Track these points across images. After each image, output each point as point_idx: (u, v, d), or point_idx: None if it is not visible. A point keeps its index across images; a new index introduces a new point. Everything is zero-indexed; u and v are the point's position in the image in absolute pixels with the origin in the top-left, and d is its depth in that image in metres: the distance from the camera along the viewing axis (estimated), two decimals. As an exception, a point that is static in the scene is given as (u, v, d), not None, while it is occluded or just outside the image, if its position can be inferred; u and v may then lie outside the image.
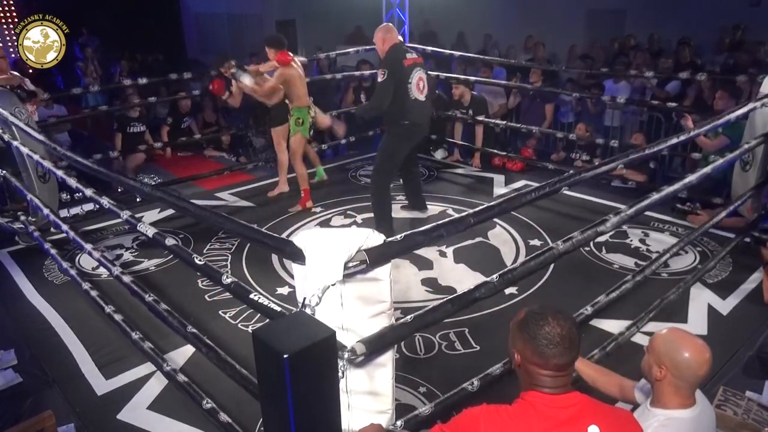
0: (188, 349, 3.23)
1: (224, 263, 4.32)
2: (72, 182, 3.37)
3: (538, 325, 1.47)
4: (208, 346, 2.52)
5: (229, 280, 2.03)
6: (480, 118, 6.34)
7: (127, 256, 4.48)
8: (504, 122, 6.51)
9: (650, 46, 7.84)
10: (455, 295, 2.06)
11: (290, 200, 5.45)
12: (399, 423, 2.02)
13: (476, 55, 7.32)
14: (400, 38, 4.58)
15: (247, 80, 4.94)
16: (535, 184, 2.34)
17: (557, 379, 1.47)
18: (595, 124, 6.41)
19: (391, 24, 4.70)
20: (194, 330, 2.64)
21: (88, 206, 5.05)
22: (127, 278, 3.14)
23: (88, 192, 3.14)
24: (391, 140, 4.58)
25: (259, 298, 1.88)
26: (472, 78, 6.40)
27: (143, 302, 2.92)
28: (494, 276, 2.09)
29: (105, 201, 2.98)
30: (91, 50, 9.56)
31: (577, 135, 5.93)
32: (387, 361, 1.90)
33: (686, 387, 1.69)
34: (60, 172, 3.58)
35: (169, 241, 2.42)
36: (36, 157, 3.83)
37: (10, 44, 10.05)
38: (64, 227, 3.71)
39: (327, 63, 8.02)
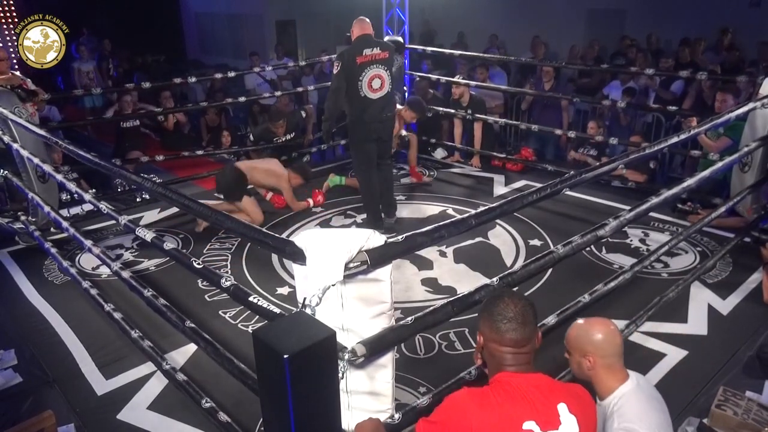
0: (188, 349, 3.23)
1: (224, 263, 4.32)
2: (71, 186, 3.36)
3: (495, 303, 1.62)
4: (206, 341, 2.52)
5: (228, 283, 2.03)
6: (479, 116, 6.35)
7: (127, 256, 4.48)
8: (502, 120, 6.52)
9: (648, 45, 7.86)
10: (455, 297, 2.06)
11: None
12: (397, 416, 2.02)
13: (478, 54, 7.32)
14: (370, 32, 4.53)
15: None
16: (535, 184, 2.34)
17: (518, 356, 1.58)
18: (610, 126, 6.41)
19: (364, 17, 4.63)
20: (192, 325, 2.64)
21: (88, 206, 5.04)
22: (126, 273, 3.13)
23: (87, 196, 3.14)
24: (349, 136, 4.77)
25: (259, 300, 1.88)
26: (473, 83, 6.38)
27: (142, 297, 2.91)
28: (494, 279, 2.10)
29: (103, 206, 2.98)
30: (86, 50, 9.53)
31: (589, 134, 5.96)
32: (387, 362, 1.90)
33: (615, 360, 1.84)
34: (60, 177, 3.58)
35: (168, 245, 2.42)
36: (36, 160, 3.83)
37: (10, 44, 10.05)
38: (65, 224, 3.70)
39: (329, 64, 8.01)
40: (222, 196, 5.02)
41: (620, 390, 1.82)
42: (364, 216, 5.05)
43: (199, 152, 6.41)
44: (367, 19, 4.62)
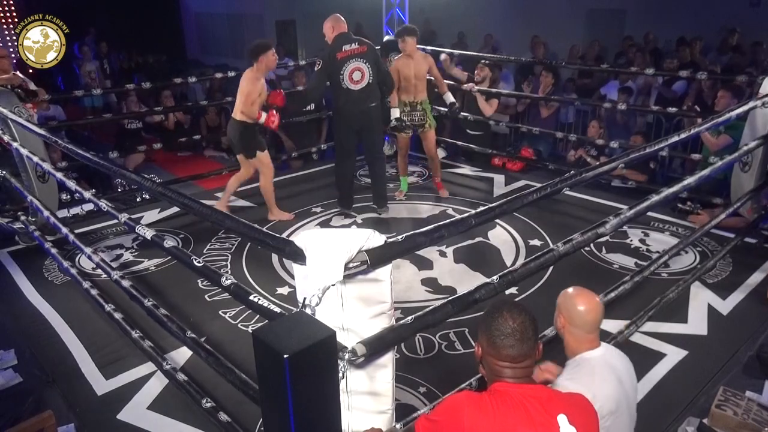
0: (188, 350, 3.22)
1: (224, 263, 4.32)
2: (71, 184, 3.37)
3: (493, 317, 1.58)
4: (207, 351, 2.53)
5: (228, 282, 2.03)
6: (492, 99, 6.39)
7: (127, 256, 4.48)
8: (502, 123, 6.51)
9: (646, 44, 7.86)
10: (455, 296, 2.06)
11: (290, 203, 5.46)
12: (398, 426, 2.02)
13: (477, 54, 7.31)
14: (346, 30, 4.77)
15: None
16: (536, 184, 2.34)
17: (516, 370, 1.56)
18: (611, 127, 6.41)
19: (338, 15, 4.83)
20: (193, 335, 2.65)
21: (88, 206, 5.05)
22: (126, 282, 3.14)
23: (87, 194, 3.14)
24: (333, 126, 5.14)
25: (259, 299, 1.88)
26: (474, 87, 6.35)
27: (143, 306, 2.93)
28: (494, 277, 2.09)
29: (103, 204, 2.98)
30: (88, 50, 9.55)
31: (590, 134, 5.97)
32: (387, 362, 1.90)
33: (583, 333, 1.94)
34: (59, 175, 3.58)
35: (168, 243, 2.42)
36: (36, 159, 3.83)
37: (10, 44, 10.05)
38: (65, 230, 3.71)
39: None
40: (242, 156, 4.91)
41: (584, 354, 1.93)
42: (365, 216, 5.09)
43: (196, 137, 6.56)
44: (342, 17, 4.81)
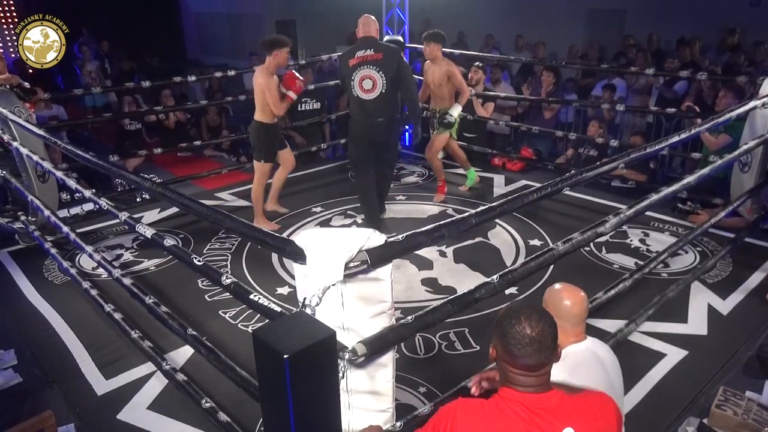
0: (188, 350, 3.23)
1: (224, 263, 4.32)
2: (71, 183, 3.37)
3: (510, 324, 1.45)
4: (208, 348, 2.53)
5: (228, 281, 2.03)
6: (488, 103, 6.42)
7: (127, 256, 4.48)
8: (502, 123, 6.51)
9: (649, 45, 7.86)
10: (456, 295, 2.06)
11: (290, 202, 5.45)
12: (398, 424, 2.02)
13: (477, 53, 7.32)
14: (370, 34, 4.53)
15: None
16: (536, 184, 2.34)
17: (529, 378, 1.46)
18: (607, 124, 6.42)
19: (368, 16, 4.59)
20: (194, 333, 2.65)
21: (88, 206, 5.06)
22: (127, 281, 3.14)
23: (87, 193, 3.15)
24: (348, 140, 5.02)
25: (259, 298, 1.88)
26: (472, 91, 6.35)
27: (144, 305, 2.93)
28: (494, 276, 2.09)
29: (103, 202, 2.98)
30: (88, 50, 9.55)
31: (589, 134, 5.97)
32: (388, 361, 1.90)
33: (569, 326, 1.95)
34: (59, 173, 3.58)
35: (168, 242, 2.42)
36: (35, 158, 3.83)
37: (10, 44, 10.05)
38: (65, 229, 3.71)
39: (329, 65, 8.00)
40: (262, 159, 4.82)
41: (570, 347, 1.94)
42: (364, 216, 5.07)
43: (197, 143, 6.49)
44: (372, 18, 4.59)
